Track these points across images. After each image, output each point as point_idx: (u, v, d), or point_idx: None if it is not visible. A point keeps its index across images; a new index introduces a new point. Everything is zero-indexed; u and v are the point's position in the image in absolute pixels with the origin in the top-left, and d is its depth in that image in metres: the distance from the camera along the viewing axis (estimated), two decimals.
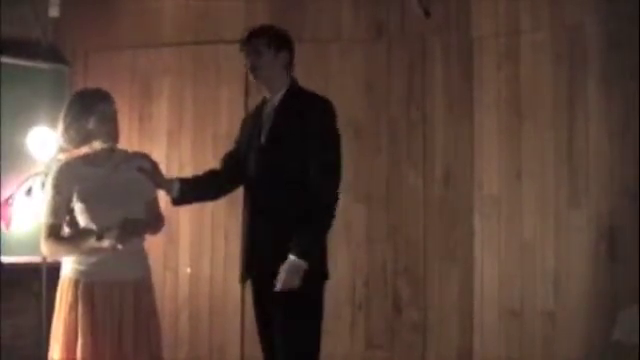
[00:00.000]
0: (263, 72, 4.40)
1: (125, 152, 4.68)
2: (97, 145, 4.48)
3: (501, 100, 5.79)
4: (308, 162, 4.27)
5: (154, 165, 4.41)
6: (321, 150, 4.31)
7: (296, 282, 4.14)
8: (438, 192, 5.93)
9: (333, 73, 6.15)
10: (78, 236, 4.41)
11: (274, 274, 4.19)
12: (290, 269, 4.14)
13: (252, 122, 4.50)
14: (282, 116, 4.36)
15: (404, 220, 5.98)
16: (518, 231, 5.69)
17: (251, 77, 4.46)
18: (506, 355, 5.68)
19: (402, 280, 5.96)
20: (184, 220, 6.11)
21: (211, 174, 4.58)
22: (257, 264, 4.37)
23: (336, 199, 4.35)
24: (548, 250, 5.58)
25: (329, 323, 5.82)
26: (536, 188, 5.65)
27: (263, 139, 4.37)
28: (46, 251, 4.52)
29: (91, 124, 4.42)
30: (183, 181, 4.48)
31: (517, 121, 5.72)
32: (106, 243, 4.27)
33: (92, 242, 4.31)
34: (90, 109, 4.43)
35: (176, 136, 6.39)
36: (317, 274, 4.31)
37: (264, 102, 4.49)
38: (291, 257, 4.15)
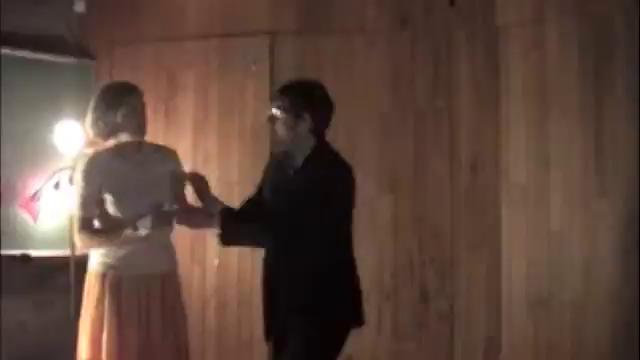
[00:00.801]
0: (281, 132, 4.24)
1: (153, 145, 4.70)
2: (124, 138, 4.50)
3: (527, 88, 5.76)
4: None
5: (205, 182, 4.42)
6: (306, 198, 4.09)
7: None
8: (465, 181, 5.92)
9: (359, 64, 6.13)
10: (112, 227, 4.44)
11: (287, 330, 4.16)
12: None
13: (273, 175, 4.36)
14: (301, 181, 4.20)
15: (431, 210, 5.97)
16: (545, 219, 5.66)
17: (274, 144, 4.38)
18: (534, 343, 5.67)
19: (429, 270, 5.95)
20: None
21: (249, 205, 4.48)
22: (275, 322, 4.28)
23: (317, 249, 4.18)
24: (576, 238, 5.56)
25: None
26: (563, 176, 5.63)
27: (283, 199, 4.23)
28: (79, 243, 4.55)
29: (119, 117, 4.44)
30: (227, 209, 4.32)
31: (544, 109, 5.70)
32: (142, 232, 4.30)
33: (127, 232, 4.34)
34: (119, 102, 4.45)
35: (202, 128, 6.39)
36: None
37: (287, 157, 4.33)
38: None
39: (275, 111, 4.24)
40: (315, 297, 4.17)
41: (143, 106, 4.56)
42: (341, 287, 4.27)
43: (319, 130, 4.27)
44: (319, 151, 4.27)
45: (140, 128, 4.53)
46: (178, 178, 4.57)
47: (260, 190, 4.43)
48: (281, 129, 4.23)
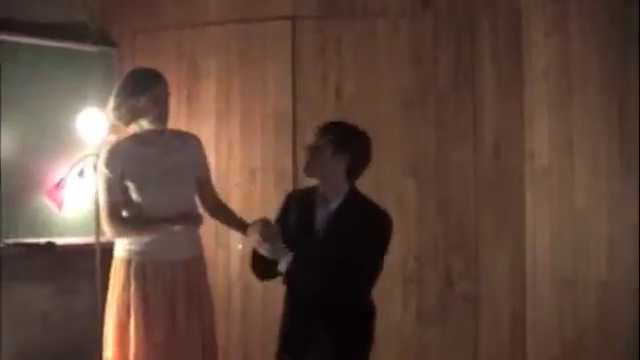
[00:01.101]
0: (315, 164, 4.22)
1: (175, 132, 4.72)
2: (145, 125, 4.52)
3: (550, 70, 5.72)
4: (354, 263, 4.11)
5: (274, 231, 4.20)
6: (364, 254, 4.15)
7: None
8: (489, 164, 5.90)
9: (381, 49, 6.11)
10: (147, 224, 4.48)
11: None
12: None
13: (302, 217, 4.29)
14: (339, 226, 4.18)
15: (455, 193, 5.96)
16: (570, 201, 5.63)
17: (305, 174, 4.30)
18: (559, 325, 5.65)
19: (454, 253, 5.94)
20: (235, 196, 6.11)
21: None
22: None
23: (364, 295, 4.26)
24: (600, 220, 5.52)
25: (382, 297, 5.86)
26: (587, 158, 5.59)
27: (316, 245, 4.19)
28: (109, 230, 4.56)
29: (142, 103, 4.47)
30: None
31: (567, 91, 5.66)
32: (177, 229, 4.37)
33: (165, 226, 4.40)
34: (143, 88, 4.48)
35: (224, 115, 6.39)
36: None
37: (315, 193, 4.29)
38: None
39: (316, 140, 4.22)
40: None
41: (167, 95, 4.59)
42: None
43: (352, 177, 4.26)
44: (358, 197, 4.28)
45: (161, 116, 4.56)
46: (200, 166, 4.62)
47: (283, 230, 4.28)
48: (316, 161, 4.20)
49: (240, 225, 4.57)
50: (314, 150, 4.20)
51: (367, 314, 4.31)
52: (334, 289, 4.08)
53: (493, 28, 5.93)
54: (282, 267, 4.12)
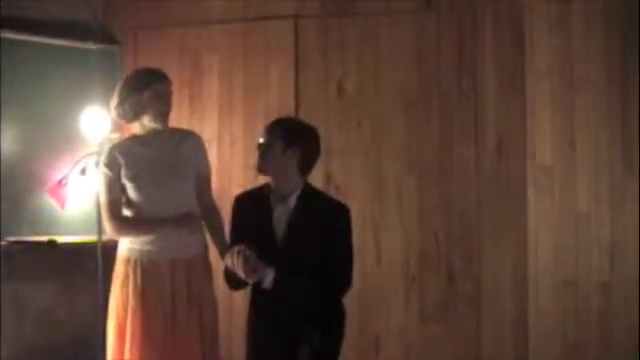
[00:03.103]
0: (269, 166, 4.23)
1: (176, 130, 4.72)
2: (147, 122, 4.52)
3: (553, 69, 5.72)
4: (326, 260, 4.15)
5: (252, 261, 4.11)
6: (341, 251, 4.20)
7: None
8: (490, 163, 5.89)
9: (383, 47, 6.11)
10: (149, 220, 4.48)
11: None
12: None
13: (258, 219, 4.26)
14: (299, 223, 4.19)
15: (456, 191, 5.96)
16: (572, 201, 5.64)
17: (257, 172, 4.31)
18: (561, 326, 5.65)
19: (455, 252, 5.94)
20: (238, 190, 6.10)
21: None
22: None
23: (349, 286, 4.26)
24: (603, 220, 5.53)
25: (383, 296, 5.86)
26: (590, 158, 5.59)
27: (279, 244, 4.20)
28: (109, 229, 4.56)
29: (144, 100, 4.47)
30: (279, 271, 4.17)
31: (569, 90, 5.66)
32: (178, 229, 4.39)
33: (166, 227, 4.41)
34: (145, 85, 4.49)
35: (227, 113, 6.39)
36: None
37: (268, 192, 4.28)
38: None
39: (265, 139, 4.24)
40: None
41: (169, 94, 4.59)
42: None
43: (304, 171, 4.27)
44: (314, 191, 4.32)
45: (163, 114, 4.56)
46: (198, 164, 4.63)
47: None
48: (268, 158, 4.22)
49: (220, 243, 4.53)
50: (265, 147, 4.22)
51: (342, 312, 4.33)
52: (317, 292, 4.13)
53: (496, 26, 5.92)
54: (267, 284, 4.11)
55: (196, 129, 5.13)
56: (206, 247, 4.70)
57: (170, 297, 4.49)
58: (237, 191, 6.03)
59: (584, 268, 5.58)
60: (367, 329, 6.02)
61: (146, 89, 4.48)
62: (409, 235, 5.98)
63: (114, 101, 4.55)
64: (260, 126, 6.12)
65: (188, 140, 4.68)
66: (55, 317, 6.11)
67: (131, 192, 4.49)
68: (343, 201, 4.38)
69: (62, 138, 6.11)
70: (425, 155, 6.02)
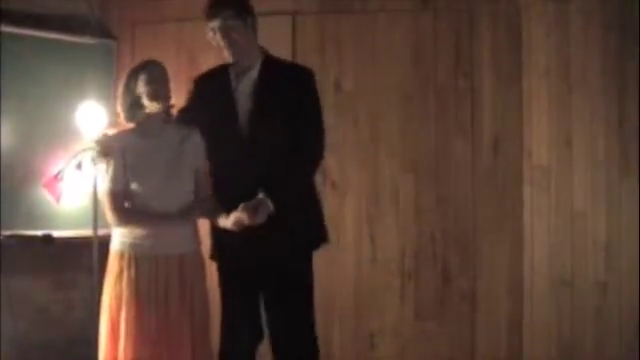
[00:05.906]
0: (241, 46, 4.25)
1: (176, 125, 4.70)
2: (146, 104, 4.49)
3: (550, 68, 5.73)
4: (296, 129, 4.19)
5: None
6: (310, 117, 4.25)
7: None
8: (487, 161, 5.91)
9: (380, 44, 6.12)
10: (150, 213, 4.49)
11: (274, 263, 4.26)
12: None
13: (219, 94, 4.35)
14: (264, 93, 4.22)
15: (453, 190, 5.97)
16: (568, 200, 5.64)
17: (227, 56, 4.32)
18: (556, 325, 5.66)
19: (451, 250, 5.95)
20: None
21: None
22: (252, 253, 4.34)
23: (322, 158, 4.35)
24: (599, 219, 5.52)
25: (379, 293, 5.86)
26: (586, 157, 5.59)
27: (245, 120, 4.24)
28: (110, 219, 4.55)
29: (139, 85, 4.46)
30: None
31: (566, 89, 5.66)
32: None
33: (166, 220, 4.42)
34: (138, 71, 4.48)
35: None
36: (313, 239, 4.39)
37: (226, 70, 4.33)
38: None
39: (222, 22, 4.25)
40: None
41: (162, 74, 4.55)
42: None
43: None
44: (275, 58, 4.38)
45: (159, 95, 4.50)
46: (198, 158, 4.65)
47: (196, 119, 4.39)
48: (237, 40, 4.25)
49: (217, 213, 4.58)
50: (227, 31, 4.25)
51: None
52: (292, 168, 4.20)
53: (493, 24, 5.94)
54: (269, 209, 4.20)
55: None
56: (199, 243, 4.70)
57: (163, 292, 4.48)
58: None
59: (580, 267, 5.59)
60: (362, 326, 6.04)
61: (138, 76, 4.47)
62: (405, 232, 5.99)
63: (118, 102, 4.57)
64: None
65: (192, 136, 4.66)
66: (50, 311, 6.10)
67: (133, 183, 4.49)
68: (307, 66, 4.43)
69: (58, 132, 6.08)
70: (421, 153, 6.03)
